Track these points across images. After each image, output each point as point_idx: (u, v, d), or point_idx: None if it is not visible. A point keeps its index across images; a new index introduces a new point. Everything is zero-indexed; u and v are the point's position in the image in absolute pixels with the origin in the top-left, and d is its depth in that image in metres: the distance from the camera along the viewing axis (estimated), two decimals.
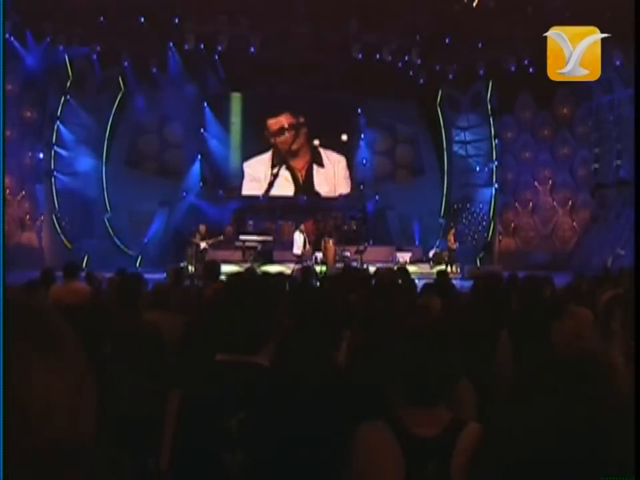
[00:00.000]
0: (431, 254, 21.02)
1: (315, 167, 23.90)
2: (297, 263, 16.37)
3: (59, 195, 20.77)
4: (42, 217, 20.34)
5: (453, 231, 20.03)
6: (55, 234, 20.61)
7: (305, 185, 23.81)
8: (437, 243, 22.79)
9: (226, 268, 16.95)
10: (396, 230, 23.64)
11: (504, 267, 18.97)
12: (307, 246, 18.04)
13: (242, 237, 19.19)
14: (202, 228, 17.88)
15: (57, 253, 20.19)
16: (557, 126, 22.54)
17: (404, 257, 19.36)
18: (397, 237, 23.17)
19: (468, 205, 24.01)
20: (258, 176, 23.56)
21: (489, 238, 23.22)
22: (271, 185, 23.51)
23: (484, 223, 23.52)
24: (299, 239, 17.85)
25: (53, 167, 20.65)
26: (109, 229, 22.00)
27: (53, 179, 20.67)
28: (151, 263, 20.17)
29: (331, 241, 17.47)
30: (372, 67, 21.26)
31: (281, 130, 23.29)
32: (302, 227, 18.32)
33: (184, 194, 22.66)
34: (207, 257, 17.41)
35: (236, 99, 23.16)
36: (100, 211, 21.97)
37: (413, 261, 19.39)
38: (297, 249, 17.74)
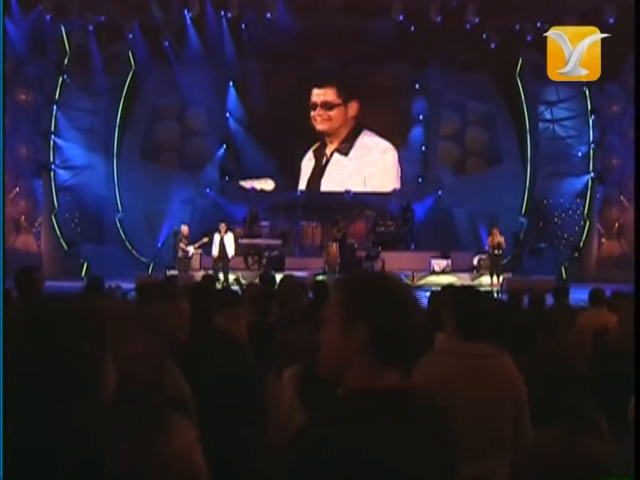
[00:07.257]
0: (475, 261, 16.57)
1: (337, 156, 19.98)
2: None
3: (58, 192, 18.06)
4: (40, 218, 17.83)
5: (495, 229, 15.57)
6: (55, 237, 17.95)
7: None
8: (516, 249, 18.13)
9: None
10: (464, 232, 19.19)
11: (605, 278, 14.35)
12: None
13: (243, 241, 15.42)
14: (184, 229, 14.44)
15: (59, 260, 17.65)
16: None
17: (439, 264, 15.69)
18: (464, 241, 18.86)
19: (561, 200, 19.29)
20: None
21: (583, 241, 18.28)
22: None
23: (581, 223, 18.71)
24: (230, 240, 14.29)
25: (51, 159, 17.97)
26: (121, 232, 19.02)
27: (52, 174, 18.00)
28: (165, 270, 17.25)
29: (334, 246, 14.34)
30: (430, 30, 17.28)
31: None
32: (221, 227, 14.40)
33: (207, 190, 19.33)
34: (193, 264, 14.03)
35: (261, 76, 19.34)
36: (110, 210, 19.09)
37: (455, 270, 15.88)
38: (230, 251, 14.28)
